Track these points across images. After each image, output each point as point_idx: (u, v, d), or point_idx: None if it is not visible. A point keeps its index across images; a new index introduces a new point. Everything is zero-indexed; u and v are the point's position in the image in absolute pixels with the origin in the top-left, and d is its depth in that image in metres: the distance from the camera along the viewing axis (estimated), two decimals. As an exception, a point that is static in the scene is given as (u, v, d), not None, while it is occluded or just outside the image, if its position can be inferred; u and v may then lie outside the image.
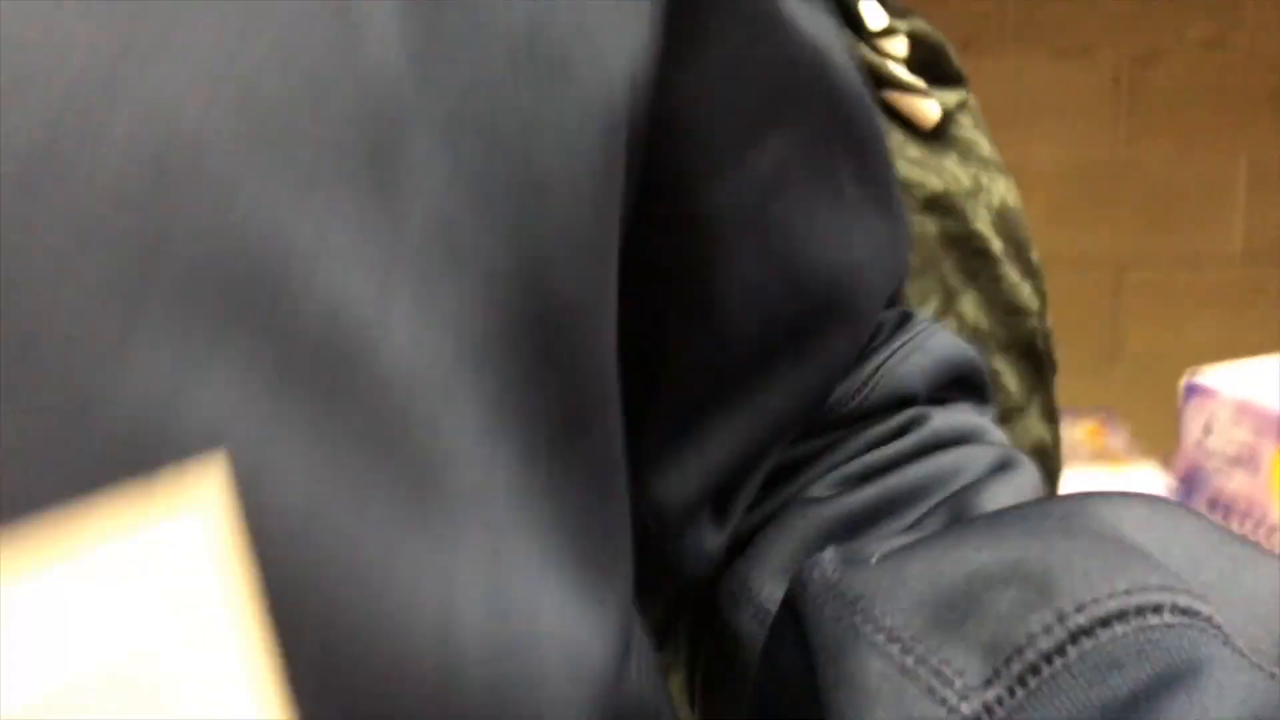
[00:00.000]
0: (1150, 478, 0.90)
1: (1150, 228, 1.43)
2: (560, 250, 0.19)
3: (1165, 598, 0.18)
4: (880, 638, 0.19)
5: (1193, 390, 0.68)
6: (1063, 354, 0.80)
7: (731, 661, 0.28)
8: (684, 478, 0.28)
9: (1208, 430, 0.67)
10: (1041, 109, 1.39)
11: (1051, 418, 0.77)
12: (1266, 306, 1.46)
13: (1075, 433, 0.99)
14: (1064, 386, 0.90)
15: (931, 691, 0.18)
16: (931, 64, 0.66)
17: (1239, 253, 1.44)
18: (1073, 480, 0.88)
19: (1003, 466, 0.28)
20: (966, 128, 0.68)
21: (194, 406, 0.14)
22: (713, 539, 0.29)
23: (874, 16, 0.64)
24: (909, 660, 0.19)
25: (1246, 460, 0.64)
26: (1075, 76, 1.39)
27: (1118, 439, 0.98)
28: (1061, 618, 0.18)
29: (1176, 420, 1.32)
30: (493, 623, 0.18)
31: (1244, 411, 0.64)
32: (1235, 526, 0.64)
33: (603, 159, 0.20)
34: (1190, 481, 0.68)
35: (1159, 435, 0.98)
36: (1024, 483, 0.27)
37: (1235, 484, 0.64)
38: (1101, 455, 0.94)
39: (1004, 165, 0.69)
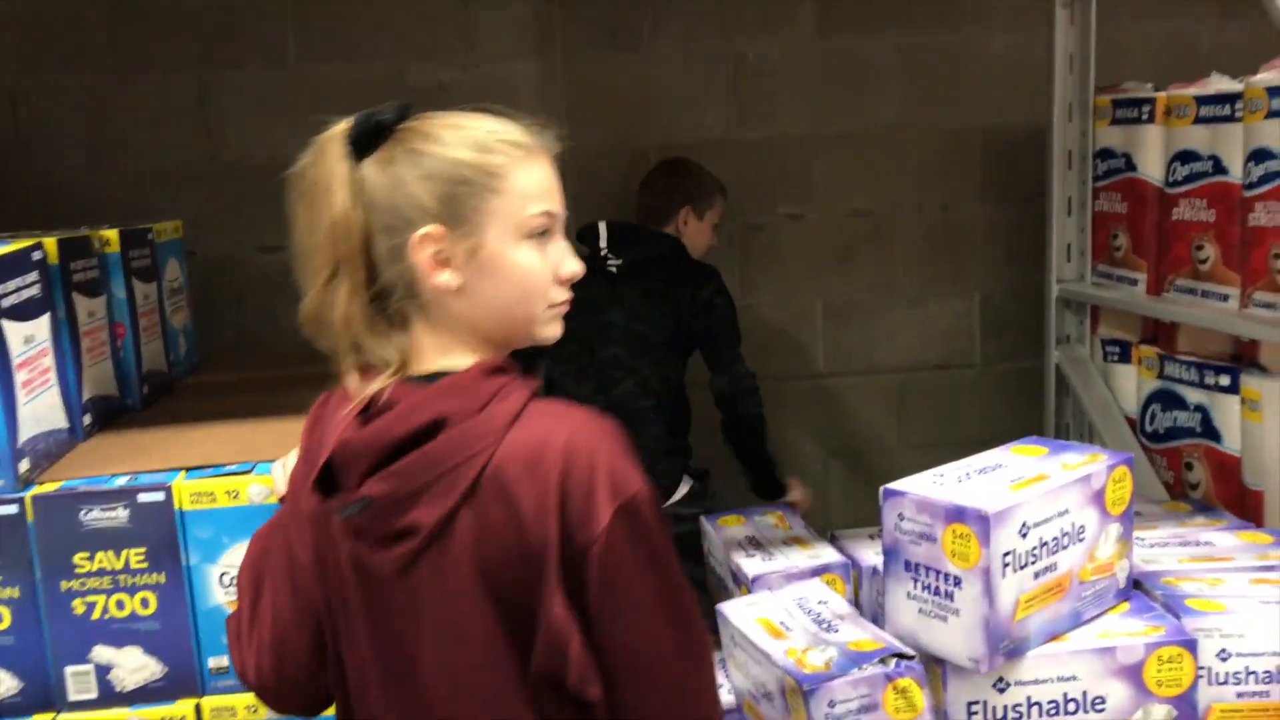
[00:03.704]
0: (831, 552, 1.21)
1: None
2: None
3: None
4: None
5: (889, 493, 0.99)
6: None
7: None
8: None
9: (901, 517, 0.98)
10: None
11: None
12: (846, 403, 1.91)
13: (768, 519, 1.28)
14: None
15: None
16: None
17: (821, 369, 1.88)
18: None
19: None
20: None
21: None
22: None
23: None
24: None
25: (927, 536, 0.95)
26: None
27: (798, 524, 1.29)
28: None
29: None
30: None
31: (924, 505, 0.96)
32: (924, 580, 0.96)
33: None
34: (891, 551, 0.99)
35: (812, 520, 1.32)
36: None
37: (922, 551, 0.96)
38: (791, 539, 1.24)
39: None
